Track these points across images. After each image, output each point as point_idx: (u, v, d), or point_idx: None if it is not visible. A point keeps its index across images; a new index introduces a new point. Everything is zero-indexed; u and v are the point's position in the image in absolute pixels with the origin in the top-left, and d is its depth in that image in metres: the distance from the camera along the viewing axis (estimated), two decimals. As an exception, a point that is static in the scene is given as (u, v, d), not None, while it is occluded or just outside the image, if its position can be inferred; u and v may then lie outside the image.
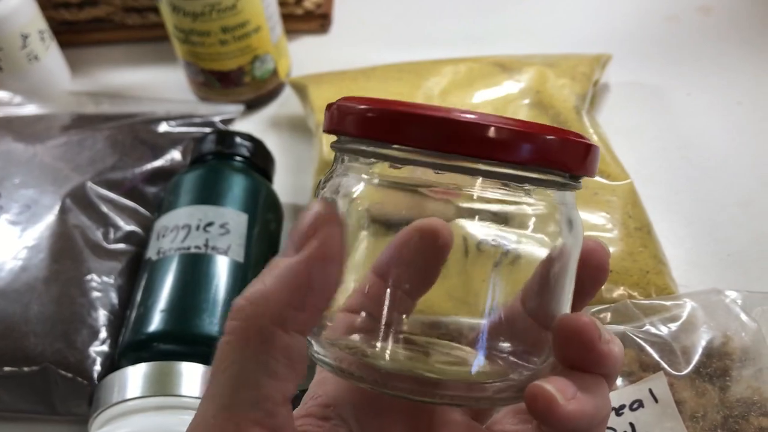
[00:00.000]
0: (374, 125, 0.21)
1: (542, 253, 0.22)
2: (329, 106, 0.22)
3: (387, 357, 0.22)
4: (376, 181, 0.22)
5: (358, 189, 0.22)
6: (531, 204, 0.22)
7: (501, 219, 0.21)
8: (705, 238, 0.50)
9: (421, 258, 0.23)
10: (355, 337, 0.23)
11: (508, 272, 0.22)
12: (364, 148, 0.22)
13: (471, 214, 0.21)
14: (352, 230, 0.22)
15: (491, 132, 0.19)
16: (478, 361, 0.22)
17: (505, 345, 0.22)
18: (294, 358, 0.20)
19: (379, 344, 0.22)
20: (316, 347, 0.23)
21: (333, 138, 0.23)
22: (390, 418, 0.25)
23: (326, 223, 0.20)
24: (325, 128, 0.23)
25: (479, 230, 0.22)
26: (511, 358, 0.22)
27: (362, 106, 0.21)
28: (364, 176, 0.22)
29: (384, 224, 0.23)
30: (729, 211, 0.51)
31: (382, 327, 0.22)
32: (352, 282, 0.23)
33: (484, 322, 0.22)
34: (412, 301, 0.23)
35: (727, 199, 0.52)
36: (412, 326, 0.23)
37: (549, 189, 0.22)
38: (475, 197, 0.21)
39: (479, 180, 0.21)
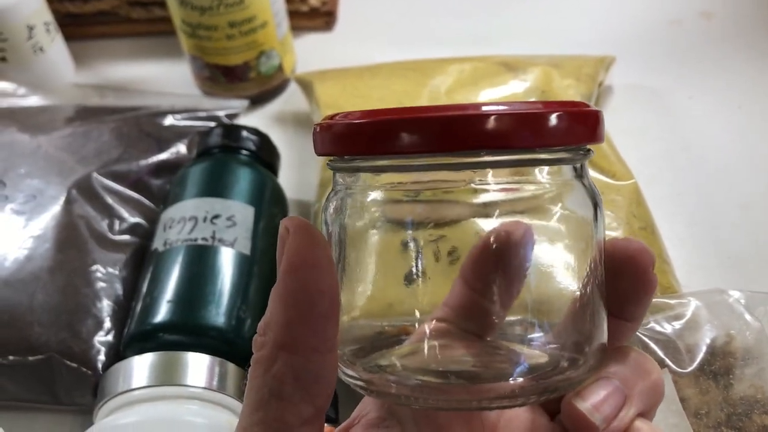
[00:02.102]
0: (368, 139, 0.20)
1: (567, 229, 0.21)
2: (317, 127, 0.21)
3: (425, 366, 0.22)
4: (380, 193, 0.22)
5: (365, 203, 0.22)
6: (546, 184, 0.21)
7: (520, 206, 0.21)
8: (707, 240, 0.50)
9: (501, 264, 0.22)
10: (386, 353, 0.23)
11: (539, 258, 0.21)
12: (361, 164, 0.21)
13: (488, 208, 0.21)
14: (362, 240, 0.22)
15: (491, 122, 0.19)
16: (520, 359, 0.22)
17: (548, 336, 0.22)
18: (304, 379, 0.20)
19: (415, 354, 0.22)
20: (344, 368, 0.22)
21: (313, 137, 0.22)
22: (449, 418, 0.24)
23: (295, 235, 0.20)
24: (319, 151, 0.22)
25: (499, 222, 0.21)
26: (556, 350, 0.21)
27: (353, 122, 0.20)
28: (369, 191, 0.22)
29: (395, 228, 0.22)
30: (731, 213, 0.52)
31: (425, 341, 0.22)
32: (366, 291, 0.22)
33: (520, 317, 0.22)
34: (503, 308, 0.23)
35: (729, 202, 0.52)
36: (444, 333, 0.23)
37: (562, 165, 0.21)
38: (489, 190, 0.20)
39: (489, 172, 0.20)
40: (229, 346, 0.41)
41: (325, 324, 0.20)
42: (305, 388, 0.20)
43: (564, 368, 0.21)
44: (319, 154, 0.22)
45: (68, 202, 0.49)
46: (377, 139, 0.20)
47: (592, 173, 0.47)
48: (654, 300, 0.40)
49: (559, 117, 0.19)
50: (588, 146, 0.21)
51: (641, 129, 0.58)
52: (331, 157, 0.22)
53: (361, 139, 0.20)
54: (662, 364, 0.37)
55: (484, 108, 0.19)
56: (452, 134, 0.19)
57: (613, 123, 0.56)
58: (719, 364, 0.37)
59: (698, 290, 0.40)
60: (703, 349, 0.37)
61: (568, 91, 0.53)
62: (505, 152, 0.20)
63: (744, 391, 0.36)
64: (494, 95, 0.54)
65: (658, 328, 0.38)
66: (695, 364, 0.37)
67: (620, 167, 0.49)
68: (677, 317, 0.38)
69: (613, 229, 0.44)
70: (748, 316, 0.38)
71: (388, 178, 0.21)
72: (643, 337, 0.37)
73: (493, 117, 0.19)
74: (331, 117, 0.21)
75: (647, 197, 0.49)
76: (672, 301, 0.39)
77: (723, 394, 0.36)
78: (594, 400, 0.22)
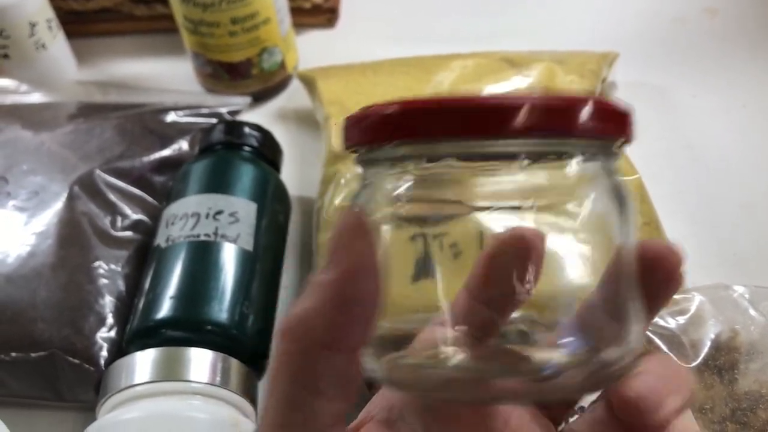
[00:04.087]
0: (408, 124, 0.19)
1: (599, 228, 0.21)
2: (348, 120, 0.21)
3: (452, 362, 0.21)
4: (409, 185, 0.21)
5: (392, 196, 0.21)
6: (580, 179, 0.20)
7: (552, 200, 0.20)
8: (709, 238, 0.50)
9: (511, 268, 0.22)
10: (417, 348, 0.22)
11: (557, 255, 0.21)
12: (393, 153, 0.20)
13: (519, 199, 0.20)
14: (391, 236, 0.22)
15: (538, 107, 0.18)
16: (546, 357, 0.21)
17: (577, 335, 0.21)
18: (343, 378, 0.20)
19: (443, 350, 0.22)
20: (368, 362, 0.22)
21: (342, 130, 0.22)
22: (458, 422, 0.24)
23: (356, 235, 0.19)
24: (349, 143, 0.21)
25: (530, 218, 0.21)
26: (583, 350, 0.21)
27: (386, 111, 0.19)
28: (396, 182, 0.21)
29: (406, 225, 0.22)
30: (733, 211, 0.52)
31: (448, 333, 0.22)
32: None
33: (554, 316, 0.21)
34: (506, 312, 0.23)
35: (732, 200, 0.52)
36: (476, 328, 0.23)
37: (596, 161, 0.20)
38: (522, 181, 0.20)
39: (526, 162, 0.19)
40: (232, 342, 0.41)
41: (367, 327, 0.20)
42: (342, 385, 0.20)
43: (594, 368, 0.21)
44: (351, 146, 0.21)
45: (71, 199, 0.49)
46: (435, 122, 0.19)
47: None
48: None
49: (606, 108, 0.19)
50: (619, 144, 0.21)
51: (643, 126, 0.57)
52: (359, 152, 0.21)
53: (410, 123, 0.19)
54: (666, 359, 0.37)
55: (535, 96, 0.18)
56: (505, 117, 0.18)
57: (616, 120, 0.56)
58: (724, 359, 0.37)
59: (702, 285, 0.40)
60: (708, 344, 0.37)
61: (572, 86, 0.53)
62: (546, 143, 0.19)
63: (748, 386, 0.36)
64: (497, 91, 0.54)
65: (662, 323, 0.38)
66: (699, 359, 0.37)
67: (623, 163, 0.48)
68: (681, 312, 0.38)
69: (616, 225, 0.44)
70: (752, 311, 0.38)
71: (415, 167, 0.20)
72: (648, 332, 0.37)
73: (547, 102, 0.18)
74: (369, 107, 0.20)
75: (650, 194, 0.48)
76: (676, 296, 0.39)
77: (727, 389, 0.36)
78: (640, 389, 0.21)
